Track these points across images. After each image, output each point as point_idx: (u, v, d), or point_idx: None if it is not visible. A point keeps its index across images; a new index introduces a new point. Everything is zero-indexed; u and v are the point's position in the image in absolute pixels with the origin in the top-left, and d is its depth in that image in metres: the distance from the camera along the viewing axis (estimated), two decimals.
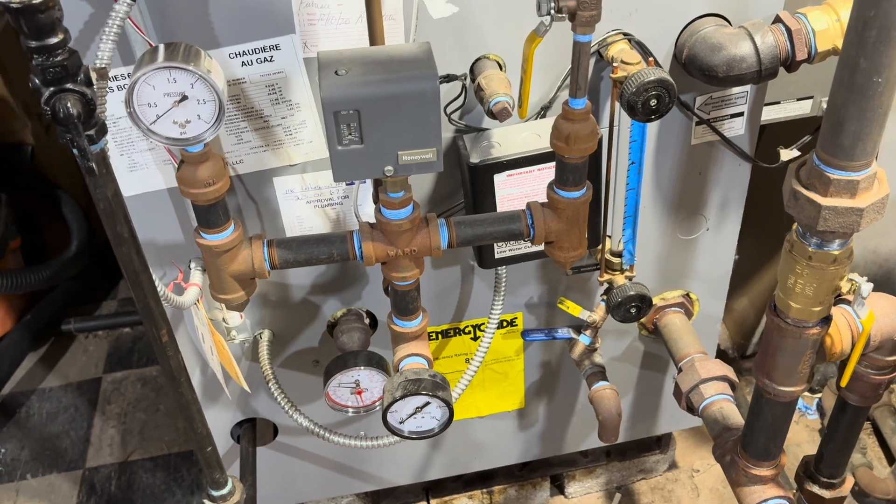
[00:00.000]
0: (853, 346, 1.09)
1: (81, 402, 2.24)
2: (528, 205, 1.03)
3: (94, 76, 0.80)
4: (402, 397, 1.01)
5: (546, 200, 1.03)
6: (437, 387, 1.02)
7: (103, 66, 0.92)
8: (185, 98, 0.83)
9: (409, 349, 1.08)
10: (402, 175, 0.91)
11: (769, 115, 1.45)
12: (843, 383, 1.10)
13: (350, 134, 0.86)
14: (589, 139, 0.94)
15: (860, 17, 0.78)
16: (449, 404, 1.03)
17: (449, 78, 1.00)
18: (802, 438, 2.02)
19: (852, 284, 0.98)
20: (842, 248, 0.94)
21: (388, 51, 0.89)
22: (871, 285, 0.97)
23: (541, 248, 1.08)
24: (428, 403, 1.04)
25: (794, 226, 0.97)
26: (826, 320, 1.02)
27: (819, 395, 2.06)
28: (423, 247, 0.99)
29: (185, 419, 1.11)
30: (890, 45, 0.78)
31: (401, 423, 1.07)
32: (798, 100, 1.46)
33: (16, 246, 2.30)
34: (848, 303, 1.09)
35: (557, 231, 1.01)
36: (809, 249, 0.95)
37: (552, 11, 0.84)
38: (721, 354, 2.15)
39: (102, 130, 0.83)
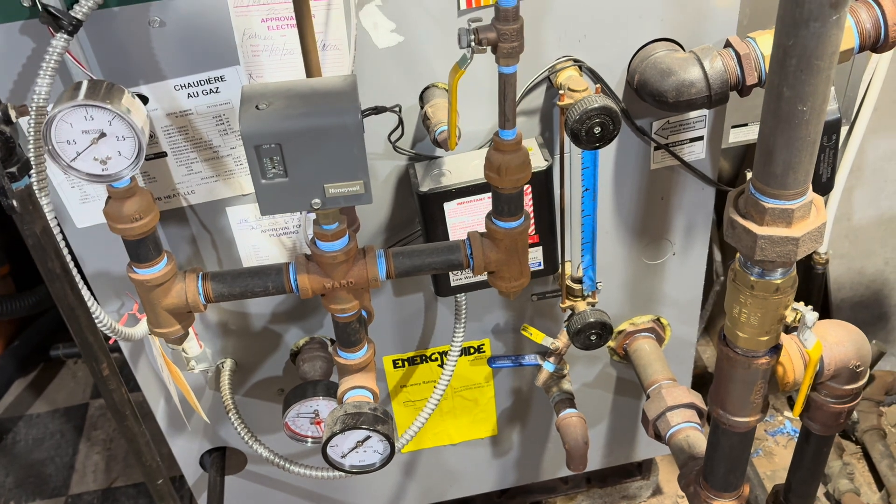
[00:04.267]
0: None
1: (68, 428, 2.24)
2: (468, 235, 1.02)
3: (13, 114, 0.80)
4: (341, 431, 1.00)
5: None
6: (377, 420, 1.01)
7: (38, 101, 0.92)
8: (103, 135, 0.83)
9: (353, 381, 1.07)
10: (331, 208, 0.90)
11: (737, 137, 1.43)
12: (796, 413, 1.08)
13: (274, 167, 0.86)
14: (520, 170, 0.93)
15: (780, 45, 0.77)
16: (390, 439, 1.02)
17: (378, 110, 1.00)
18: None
19: (797, 314, 0.96)
20: (784, 276, 0.92)
21: (312, 84, 0.89)
22: (815, 314, 0.94)
23: None
24: (369, 437, 1.02)
25: (737, 255, 0.95)
26: (775, 350, 1.00)
27: None
28: (361, 278, 0.98)
29: (133, 452, 1.11)
30: (811, 74, 0.76)
31: (342, 457, 1.05)
32: None
33: (4, 273, 2.32)
34: None
35: (497, 261, 1.00)
36: (752, 279, 0.93)
37: (472, 44, 0.83)
38: (710, 377, 2.11)
39: (25, 167, 0.83)
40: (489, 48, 0.84)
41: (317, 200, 0.88)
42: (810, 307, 0.96)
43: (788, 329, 1.02)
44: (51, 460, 2.17)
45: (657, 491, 1.93)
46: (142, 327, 1.21)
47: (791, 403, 2.09)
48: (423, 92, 1.15)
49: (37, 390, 2.36)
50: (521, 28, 0.83)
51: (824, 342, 1.06)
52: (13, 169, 0.82)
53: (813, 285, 1.90)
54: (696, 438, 1.32)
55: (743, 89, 1.12)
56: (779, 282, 0.92)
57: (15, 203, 0.81)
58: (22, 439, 2.23)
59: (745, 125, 1.45)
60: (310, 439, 1.32)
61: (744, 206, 0.90)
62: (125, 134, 0.83)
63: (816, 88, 0.78)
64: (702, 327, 1.94)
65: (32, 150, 0.95)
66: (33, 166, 0.87)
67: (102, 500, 2.06)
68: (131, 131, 0.83)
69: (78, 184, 1.16)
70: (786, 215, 0.87)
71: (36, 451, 2.19)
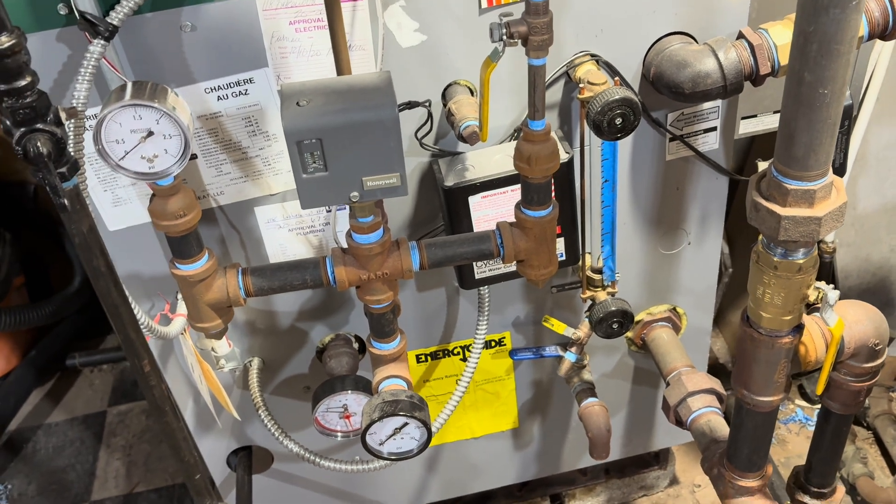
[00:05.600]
0: None
1: (87, 436, 2.26)
2: (498, 225, 1.05)
3: (63, 116, 0.83)
4: (379, 419, 1.03)
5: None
6: (414, 407, 1.04)
7: (77, 105, 0.95)
8: (151, 134, 0.86)
9: (387, 371, 1.10)
10: (369, 200, 0.93)
11: (747, 128, 1.47)
12: (819, 391, 1.11)
13: (314, 162, 0.89)
14: (550, 159, 0.96)
15: (801, 31, 0.80)
16: (427, 425, 1.05)
17: (411, 105, 1.03)
18: (804, 450, 1.99)
19: (819, 292, 0.99)
20: (806, 256, 0.96)
21: (348, 81, 0.92)
22: (837, 293, 0.97)
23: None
24: (406, 424, 1.05)
25: (760, 237, 0.99)
26: (798, 329, 1.03)
27: (819, 406, 2.05)
28: (395, 269, 1.01)
29: (172, 447, 1.13)
30: (831, 59, 0.79)
31: (380, 444, 1.08)
32: (774, 112, 1.48)
33: (20, 283, 2.34)
34: None
35: (526, 250, 1.03)
36: (774, 259, 0.96)
37: (504, 37, 0.86)
38: (720, 368, 2.14)
39: (74, 168, 0.86)
40: (520, 41, 0.87)
41: (355, 193, 0.91)
42: (832, 286, 0.99)
43: (809, 309, 1.05)
44: (71, 468, 2.19)
45: (674, 481, 1.96)
46: (175, 326, 1.23)
47: (802, 392, 2.13)
48: (445, 89, 1.18)
49: (54, 399, 2.38)
50: (550, 21, 0.86)
51: (844, 321, 1.09)
52: (63, 169, 0.84)
53: (821, 274, 1.94)
54: (718, 423, 1.35)
55: (757, 79, 1.16)
56: (801, 261, 0.95)
57: (66, 201, 0.84)
58: (42, 448, 2.25)
59: (755, 116, 1.48)
60: (339, 433, 1.34)
61: (766, 188, 0.94)
62: (172, 132, 0.86)
63: (837, 72, 0.81)
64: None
65: (73, 153, 0.98)
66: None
67: None
68: (178, 129, 0.86)
69: (110, 187, 1.19)
70: (808, 196, 0.90)
71: (56, 459, 2.21)
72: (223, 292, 1.00)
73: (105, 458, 2.20)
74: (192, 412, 1.49)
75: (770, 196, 0.93)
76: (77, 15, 0.97)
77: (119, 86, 0.90)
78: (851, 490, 1.84)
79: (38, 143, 0.81)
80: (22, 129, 0.81)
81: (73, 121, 0.94)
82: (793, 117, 0.86)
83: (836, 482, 1.34)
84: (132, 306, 1.02)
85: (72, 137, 0.99)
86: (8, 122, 0.81)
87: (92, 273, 0.94)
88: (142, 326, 1.11)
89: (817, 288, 0.98)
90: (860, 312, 1.11)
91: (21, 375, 2.28)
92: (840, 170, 1.28)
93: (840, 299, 1.14)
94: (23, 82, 0.79)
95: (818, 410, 2.06)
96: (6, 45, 0.76)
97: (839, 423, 1.24)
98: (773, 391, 1.08)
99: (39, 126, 0.82)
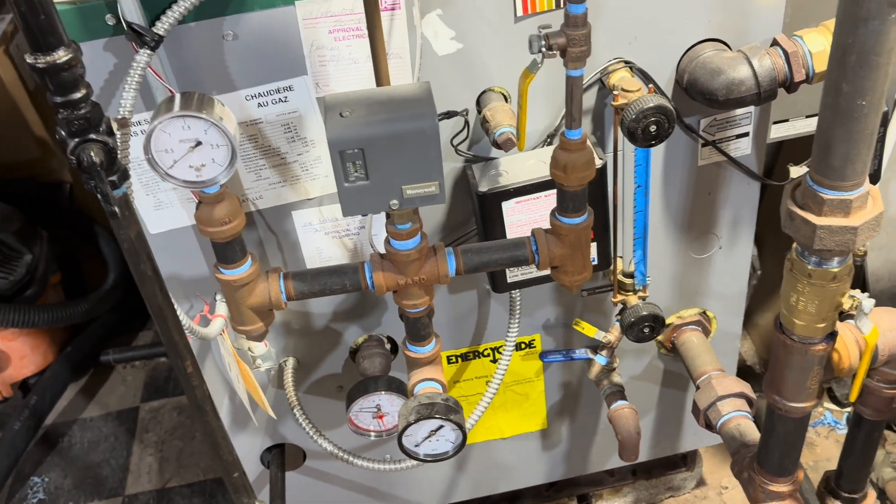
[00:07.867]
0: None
1: (121, 431, 2.31)
2: (533, 231, 1.07)
3: (115, 126, 0.86)
4: (416, 421, 1.05)
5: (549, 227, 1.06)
6: (449, 410, 1.06)
7: (125, 115, 0.98)
8: (199, 143, 0.89)
9: (423, 374, 1.12)
10: (408, 208, 0.95)
11: (778, 133, 1.47)
12: (853, 398, 1.12)
13: (356, 171, 0.91)
14: (586, 168, 0.97)
15: (840, 43, 0.81)
16: (462, 427, 1.07)
17: (450, 114, 1.05)
18: (833, 453, 2.00)
19: (854, 301, 0.99)
20: (841, 265, 0.96)
21: (389, 91, 0.94)
22: (872, 301, 0.98)
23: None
24: (441, 427, 1.07)
25: (794, 245, 0.99)
26: (831, 336, 1.04)
27: (848, 409, 2.05)
28: (432, 275, 1.03)
29: (212, 446, 1.16)
30: (870, 69, 0.80)
31: (416, 446, 1.10)
32: (806, 117, 1.48)
33: (56, 281, 2.39)
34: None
35: (561, 256, 1.04)
36: (809, 268, 0.97)
37: (543, 49, 0.88)
38: (747, 370, 2.15)
39: (124, 176, 0.89)
40: (558, 53, 0.88)
41: (395, 201, 0.93)
42: (867, 294, 1.00)
43: (842, 316, 1.05)
44: (106, 462, 2.23)
45: (701, 482, 1.96)
46: (214, 327, 1.26)
47: (831, 395, 2.12)
48: (479, 96, 1.19)
49: (89, 395, 2.42)
50: (588, 33, 0.87)
51: (878, 328, 1.10)
52: (114, 177, 0.87)
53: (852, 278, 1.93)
54: (748, 426, 1.35)
55: (791, 86, 1.16)
56: (836, 270, 0.96)
57: (117, 209, 0.86)
58: (77, 442, 2.29)
59: (786, 121, 1.48)
60: (373, 433, 1.36)
61: (801, 197, 0.94)
62: (219, 142, 0.89)
63: (875, 83, 0.82)
64: None
65: (120, 159, 1.01)
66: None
67: (158, 500, 2.12)
68: (225, 139, 0.89)
69: (152, 192, 1.22)
70: (844, 206, 0.91)
71: (91, 454, 2.26)
72: (265, 296, 1.02)
73: (138, 454, 2.24)
74: (228, 410, 1.52)
75: (805, 205, 0.93)
76: (124, 25, 1.00)
77: (167, 97, 0.92)
78: (881, 494, 1.84)
79: (92, 153, 0.83)
80: (76, 140, 0.84)
81: (121, 129, 0.96)
82: (830, 127, 0.86)
83: (868, 487, 1.34)
84: (175, 309, 1.05)
85: (119, 146, 1.02)
86: (63, 133, 0.84)
87: (138, 277, 0.97)
88: (184, 328, 1.14)
89: (852, 296, 0.99)
90: (894, 320, 1.12)
91: (57, 371, 2.33)
92: (874, 176, 1.28)
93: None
94: (78, 94, 0.82)
95: (847, 414, 2.06)
96: (63, 59, 0.79)
97: (871, 428, 1.25)
98: (806, 397, 1.09)
99: (92, 136, 0.84)
